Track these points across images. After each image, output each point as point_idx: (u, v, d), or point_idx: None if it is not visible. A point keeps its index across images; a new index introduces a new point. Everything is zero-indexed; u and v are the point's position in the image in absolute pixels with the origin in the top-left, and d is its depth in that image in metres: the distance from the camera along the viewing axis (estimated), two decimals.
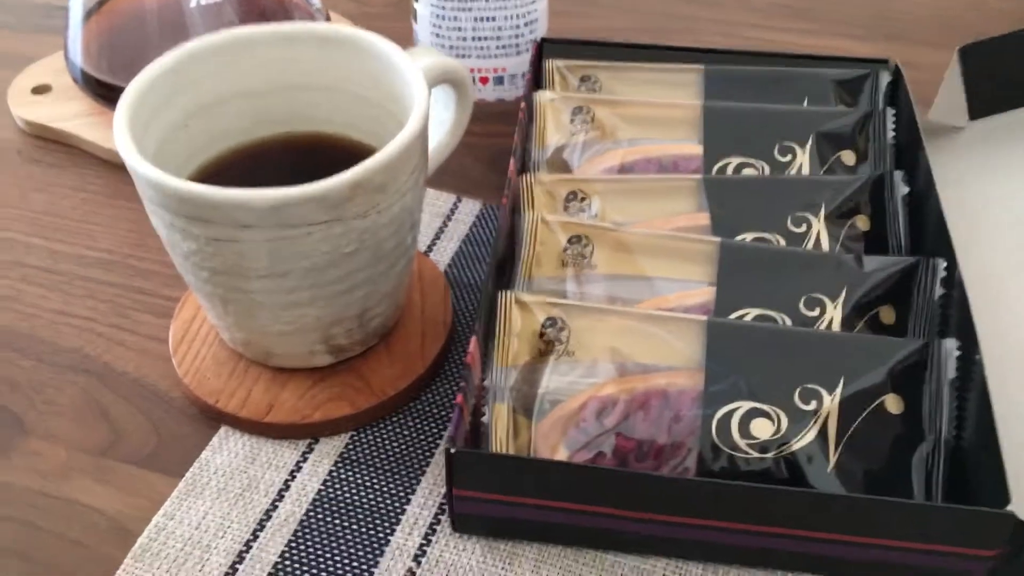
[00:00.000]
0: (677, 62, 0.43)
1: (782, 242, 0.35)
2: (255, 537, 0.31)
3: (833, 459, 0.29)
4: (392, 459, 0.33)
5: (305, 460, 0.33)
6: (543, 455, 0.30)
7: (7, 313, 0.39)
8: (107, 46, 0.46)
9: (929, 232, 0.35)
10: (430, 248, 0.41)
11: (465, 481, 0.29)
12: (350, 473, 0.33)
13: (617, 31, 0.55)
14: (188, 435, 0.34)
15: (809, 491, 0.29)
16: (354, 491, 0.32)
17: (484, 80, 0.48)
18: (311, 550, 0.31)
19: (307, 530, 0.31)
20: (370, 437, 0.34)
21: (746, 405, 0.30)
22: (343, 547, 0.31)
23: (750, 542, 0.29)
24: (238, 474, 0.33)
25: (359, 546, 0.31)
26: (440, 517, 0.32)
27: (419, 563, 0.30)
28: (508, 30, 0.47)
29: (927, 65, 0.47)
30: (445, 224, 0.42)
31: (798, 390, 0.30)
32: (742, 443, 0.29)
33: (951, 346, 0.30)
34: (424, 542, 0.31)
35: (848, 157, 0.39)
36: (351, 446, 0.34)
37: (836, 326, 0.32)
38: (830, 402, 0.29)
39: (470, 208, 0.43)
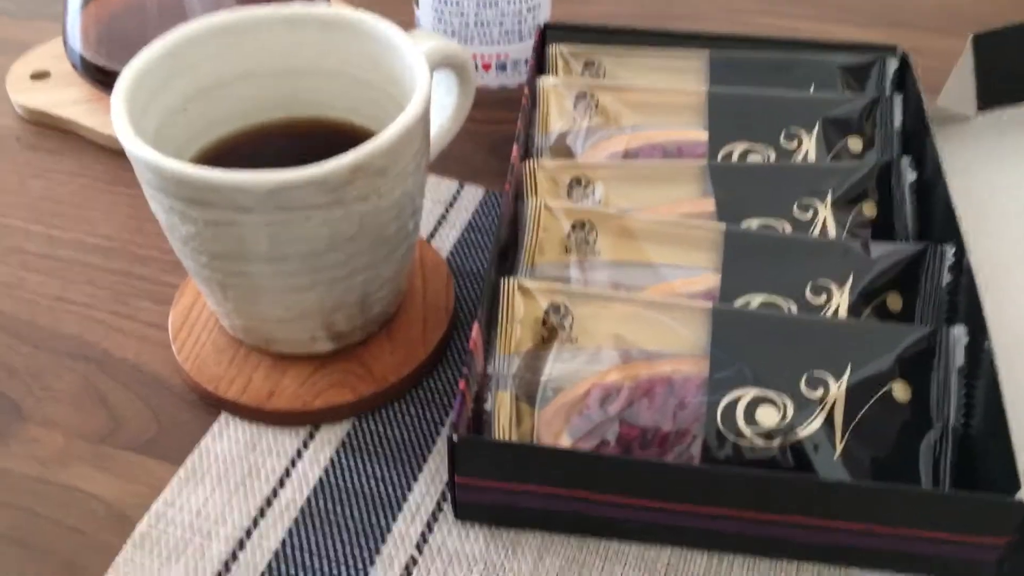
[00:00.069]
0: (682, 48, 0.43)
1: (788, 229, 0.35)
2: (255, 525, 0.31)
3: (840, 447, 0.29)
4: (394, 446, 0.33)
5: (306, 447, 0.33)
6: (546, 443, 0.30)
7: (6, 299, 0.38)
8: (106, 32, 0.46)
9: (937, 219, 0.35)
10: (432, 235, 0.41)
11: (467, 469, 0.29)
12: (351, 460, 0.33)
13: (621, 17, 0.54)
14: (188, 422, 0.34)
15: (815, 478, 0.28)
16: (355, 479, 0.32)
17: (487, 66, 0.48)
18: (312, 538, 0.30)
19: (308, 518, 0.31)
20: (371, 424, 0.34)
21: (752, 392, 0.29)
22: (344, 535, 0.31)
23: (755, 530, 0.29)
24: (238, 461, 0.33)
25: (360, 534, 0.31)
26: (442, 505, 0.31)
27: (421, 551, 0.30)
28: (511, 15, 0.46)
29: (932, 52, 0.46)
30: (447, 211, 0.42)
31: (804, 377, 0.29)
32: (747, 431, 0.29)
33: (960, 333, 0.30)
34: (426, 530, 0.31)
35: (855, 143, 0.38)
36: (352, 433, 0.33)
37: (843, 313, 0.32)
38: (837, 389, 0.29)
39: (473, 195, 0.43)
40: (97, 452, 0.33)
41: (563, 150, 0.39)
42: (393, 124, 0.29)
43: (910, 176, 0.36)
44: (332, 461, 0.33)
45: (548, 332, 0.31)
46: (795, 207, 0.35)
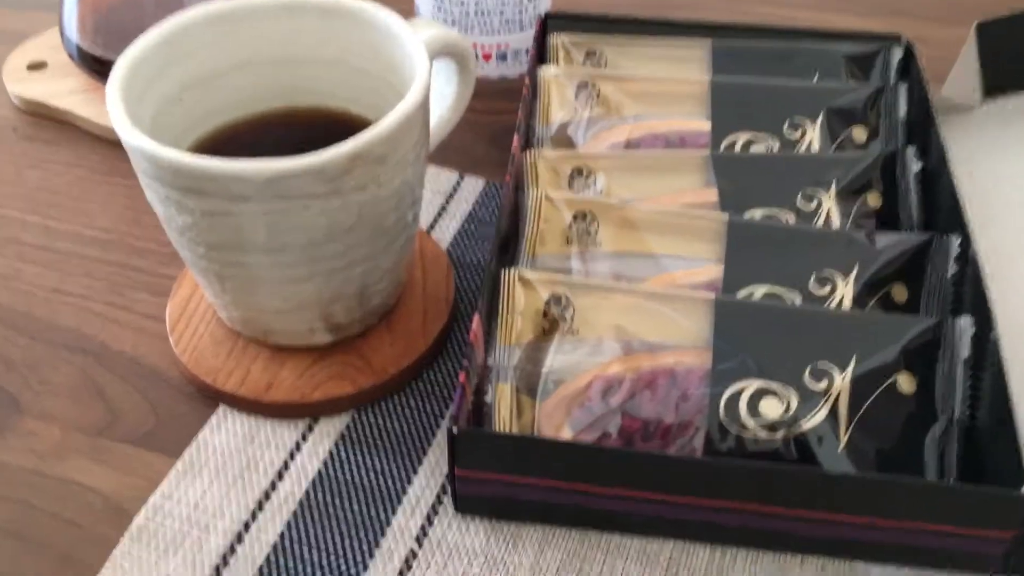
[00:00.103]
0: (684, 37, 0.42)
1: (792, 219, 0.35)
2: (254, 518, 0.31)
3: (844, 439, 0.28)
4: (393, 439, 0.33)
5: (305, 440, 0.33)
6: (547, 435, 0.29)
7: (2, 291, 0.38)
8: (103, 22, 0.46)
9: (942, 209, 0.34)
10: (432, 226, 0.40)
11: (468, 461, 0.29)
12: (350, 453, 0.32)
13: (622, 6, 0.54)
14: (185, 414, 0.34)
15: (819, 470, 0.28)
16: (355, 471, 0.32)
17: (487, 56, 0.47)
18: (311, 531, 0.30)
19: (307, 511, 0.31)
20: (371, 417, 0.33)
21: (755, 384, 0.29)
22: (343, 528, 0.30)
23: (758, 524, 0.28)
24: (237, 454, 0.32)
25: (360, 527, 0.30)
26: (442, 498, 0.31)
27: (421, 545, 0.30)
28: (511, 4, 0.46)
29: (935, 42, 0.46)
30: (447, 202, 0.42)
31: (808, 369, 0.29)
32: (751, 423, 0.28)
33: (966, 324, 0.29)
34: (426, 523, 0.30)
35: (859, 133, 0.38)
36: (352, 426, 0.33)
37: (847, 304, 0.32)
38: (841, 381, 0.29)
39: (473, 186, 0.42)
40: (94, 445, 0.33)
41: (564, 140, 0.39)
42: (392, 112, 0.29)
43: (915, 166, 0.35)
44: (331, 454, 0.32)
45: (549, 324, 0.31)
46: (799, 197, 0.35)
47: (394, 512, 0.31)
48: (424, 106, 0.31)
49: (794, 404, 0.29)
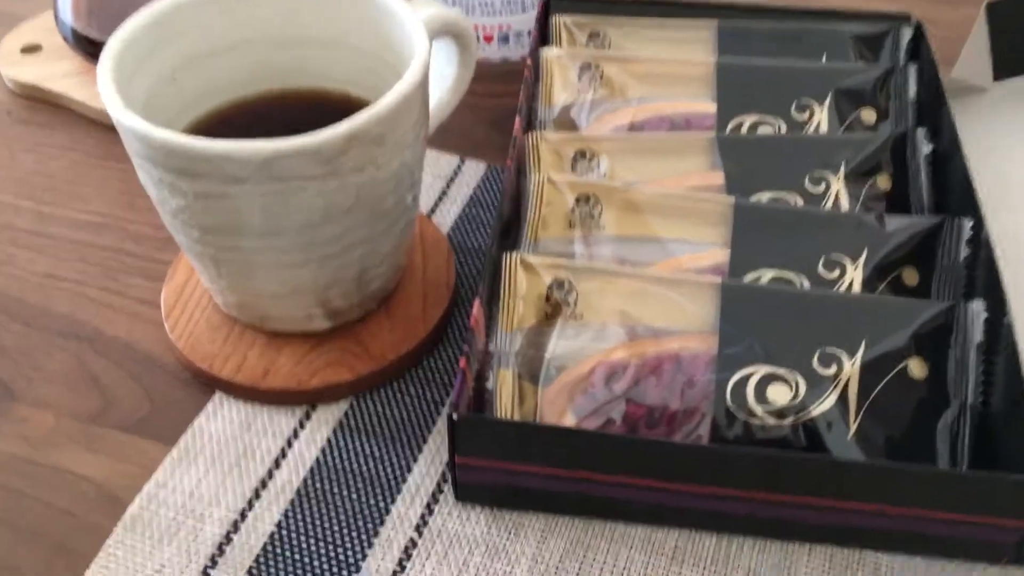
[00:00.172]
0: (689, 17, 0.41)
1: (800, 202, 0.34)
2: (250, 506, 0.30)
3: (853, 426, 0.28)
4: (393, 426, 0.32)
5: (302, 427, 0.32)
6: (549, 422, 0.29)
7: None
8: (97, 4, 0.45)
9: (953, 191, 0.34)
10: (433, 210, 0.40)
11: (468, 448, 0.28)
12: (349, 441, 0.32)
13: None
14: (181, 401, 0.33)
15: (828, 457, 0.27)
16: (353, 459, 0.31)
17: (488, 38, 0.46)
18: (308, 520, 0.30)
19: (304, 500, 0.30)
20: (370, 404, 0.33)
21: (762, 369, 0.28)
22: (342, 517, 0.30)
23: (766, 512, 0.28)
24: (233, 441, 0.32)
25: (358, 516, 0.30)
26: (443, 486, 0.30)
27: (420, 534, 0.29)
28: None
29: (944, 22, 0.45)
30: (448, 186, 0.41)
31: (817, 354, 0.28)
32: (758, 409, 0.28)
33: (978, 308, 0.29)
34: (426, 512, 0.30)
35: (868, 115, 0.37)
36: (350, 413, 0.32)
37: (856, 288, 0.31)
38: (851, 366, 0.28)
39: (474, 170, 0.42)
40: (88, 432, 0.32)
41: (567, 123, 0.38)
42: (390, 91, 0.28)
43: (925, 148, 0.35)
44: (329, 441, 0.32)
45: (552, 308, 0.30)
46: (807, 180, 0.34)
47: (393, 501, 0.30)
48: (423, 86, 0.30)
49: (802, 390, 0.28)
